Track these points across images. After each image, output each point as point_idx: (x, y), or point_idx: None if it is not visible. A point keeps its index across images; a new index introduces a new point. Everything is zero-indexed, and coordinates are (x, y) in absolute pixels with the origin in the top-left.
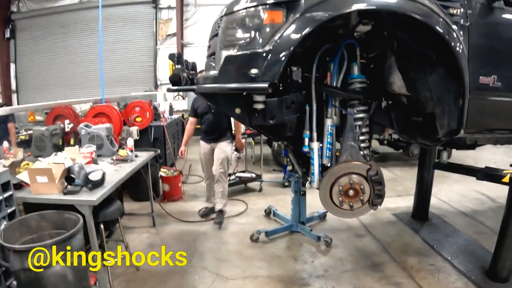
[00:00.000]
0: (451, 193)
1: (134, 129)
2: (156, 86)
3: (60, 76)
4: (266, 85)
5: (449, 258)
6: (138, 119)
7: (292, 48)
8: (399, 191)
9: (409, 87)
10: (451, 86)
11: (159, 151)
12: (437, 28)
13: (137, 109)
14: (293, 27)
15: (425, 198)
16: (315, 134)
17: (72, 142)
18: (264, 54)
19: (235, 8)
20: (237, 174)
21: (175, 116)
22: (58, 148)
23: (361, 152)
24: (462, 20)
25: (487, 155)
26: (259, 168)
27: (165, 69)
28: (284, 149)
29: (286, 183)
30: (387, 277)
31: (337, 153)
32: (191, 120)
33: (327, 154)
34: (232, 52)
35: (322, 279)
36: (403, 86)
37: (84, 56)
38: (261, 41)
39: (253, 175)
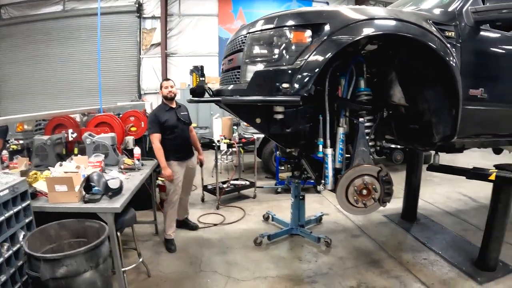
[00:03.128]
0: (435, 195)
1: (130, 139)
2: (140, 96)
3: (43, 85)
4: (298, 98)
5: (440, 252)
6: (133, 129)
7: (322, 67)
8: None
9: (408, 99)
10: (446, 98)
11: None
12: (435, 47)
13: (132, 118)
14: (321, 48)
15: (413, 200)
16: (328, 141)
17: (76, 151)
18: (295, 71)
19: (263, 27)
20: (232, 182)
21: None
22: (61, 158)
23: (371, 156)
24: (455, 40)
25: (465, 159)
26: (250, 176)
27: (149, 79)
28: (286, 156)
29: (279, 190)
30: (387, 272)
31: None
32: (157, 136)
33: (340, 159)
34: (261, 67)
35: (327, 276)
36: (402, 97)
37: (68, 65)
38: (288, 58)
39: (247, 183)
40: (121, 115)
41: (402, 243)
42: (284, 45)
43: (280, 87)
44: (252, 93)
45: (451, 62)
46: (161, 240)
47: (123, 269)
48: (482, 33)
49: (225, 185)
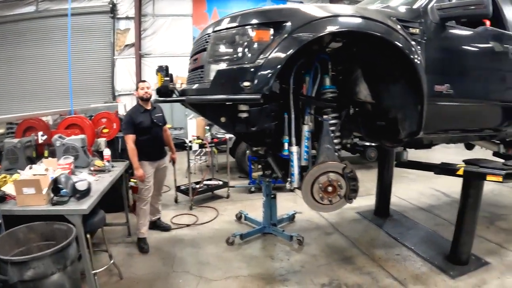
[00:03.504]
0: (409, 191)
1: (102, 141)
2: (114, 97)
3: (17, 88)
4: (259, 96)
5: (412, 247)
6: (105, 130)
7: (282, 64)
8: (360, 191)
9: (374, 96)
10: (411, 94)
11: (128, 161)
12: (399, 44)
13: (104, 120)
14: (282, 46)
15: (386, 196)
16: (294, 139)
17: (46, 154)
18: (256, 69)
19: (226, 26)
20: (205, 182)
21: None
22: (32, 161)
23: (336, 153)
24: (419, 37)
25: (439, 156)
26: (224, 176)
27: (123, 80)
28: (256, 155)
29: (253, 189)
30: (359, 268)
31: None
32: (131, 137)
33: (305, 157)
34: (223, 66)
35: (299, 274)
36: (368, 95)
37: (42, 67)
38: (250, 57)
39: (220, 183)
40: (93, 117)
41: (375, 239)
42: (246, 43)
43: (242, 86)
44: (215, 92)
45: (415, 59)
46: (134, 242)
47: (93, 272)
48: (447, 30)
49: (198, 186)
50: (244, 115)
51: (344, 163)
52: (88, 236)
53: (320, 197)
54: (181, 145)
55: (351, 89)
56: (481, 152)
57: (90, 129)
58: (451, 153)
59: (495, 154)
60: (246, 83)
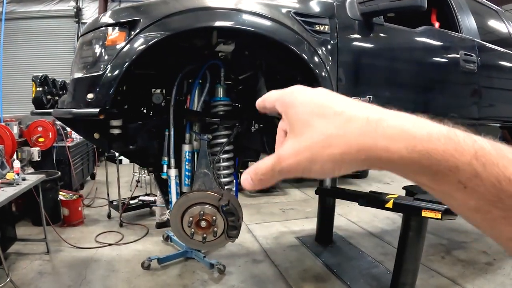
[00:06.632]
0: (362, 213)
1: (35, 150)
2: None
3: None
4: (96, 110)
5: (348, 283)
6: (41, 140)
7: (121, 71)
8: (307, 212)
9: None
10: None
11: (59, 173)
12: (295, 49)
13: (40, 129)
14: (127, 48)
15: (328, 220)
16: (172, 161)
17: None
18: (99, 78)
19: (87, 29)
20: (141, 198)
21: None
22: None
23: (218, 180)
24: (330, 38)
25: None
26: None
27: None
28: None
29: None
30: None
31: None
32: None
33: (186, 182)
34: (80, 74)
35: None
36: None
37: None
38: (102, 63)
39: (156, 199)
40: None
41: (307, 270)
42: (100, 48)
43: (86, 98)
44: (71, 105)
45: (316, 65)
46: (51, 260)
47: None
48: (373, 28)
49: (133, 201)
50: (116, 131)
51: (221, 193)
52: None
53: (191, 232)
54: (112, 158)
55: (254, 102)
56: None
57: (9, 138)
58: None
59: None
60: (90, 95)
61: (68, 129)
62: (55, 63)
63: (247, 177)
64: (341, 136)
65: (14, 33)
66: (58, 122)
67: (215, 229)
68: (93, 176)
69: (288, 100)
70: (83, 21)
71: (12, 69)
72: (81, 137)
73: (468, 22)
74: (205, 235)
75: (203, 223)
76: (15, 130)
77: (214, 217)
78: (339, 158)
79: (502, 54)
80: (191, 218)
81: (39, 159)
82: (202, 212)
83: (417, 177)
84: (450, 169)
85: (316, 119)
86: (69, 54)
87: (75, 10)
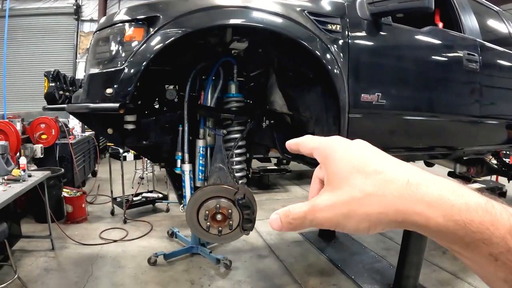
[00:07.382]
0: None
1: (38, 147)
2: None
3: None
4: (116, 105)
5: (353, 277)
6: (44, 137)
7: (142, 67)
8: None
9: (290, 106)
10: (329, 105)
11: (63, 170)
12: (309, 46)
13: (43, 125)
14: (146, 44)
15: None
16: (186, 156)
17: None
18: (119, 74)
19: (103, 25)
20: (144, 195)
21: (87, 133)
22: None
23: (232, 175)
24: (341, 36)
25: None
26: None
27: None
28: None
29: None
30: None
31: None
32: None
33: (200, 177)
34: (96, 70)
35: None
36: (284, 105)
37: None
38: (120, 59)
39: (160, 195)
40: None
41: (312, 265)
42: (118, 44)
43: (104, 93)
44: (86, 100)
45: (329, 62)
46: (56, 257)
47: None
48: (381, 28)
49: (136, 198)
50: (131, 126)
51: (237, 187)
52: None
53: (207, 225)
54: (116, 155)
55: (266, 98)
56: (442, 170)
57: (14, 135)
58: None
59: (450, 174)
60: (109, 90)
61: (70, 126)
62: (55, 60)
63: (277, 218)
64: (380, 196)
65: (13, 30)
66: (61, 119)
67: (231, 222)
68: (94, 174)
69: (329, 152)
70: (82, 18)
71: (12, 66)
72: (83, 135)
73: (471, 22)
74: (220, 228)
75: (219, 217)
76: (18, 127)
77: (230, 210)
78: (375, 218)
79: (502, 54)
80: (207, 212)
81: (42, 156)
82: (218, 205)
83: (449, 244)
84: (483, 241)
85: (356, 176)
86: (68, 51)
87: (74, 7)
